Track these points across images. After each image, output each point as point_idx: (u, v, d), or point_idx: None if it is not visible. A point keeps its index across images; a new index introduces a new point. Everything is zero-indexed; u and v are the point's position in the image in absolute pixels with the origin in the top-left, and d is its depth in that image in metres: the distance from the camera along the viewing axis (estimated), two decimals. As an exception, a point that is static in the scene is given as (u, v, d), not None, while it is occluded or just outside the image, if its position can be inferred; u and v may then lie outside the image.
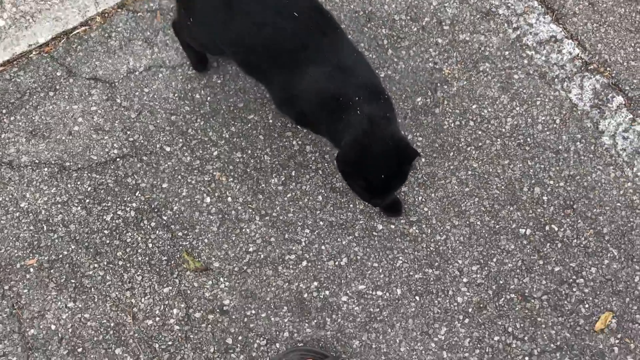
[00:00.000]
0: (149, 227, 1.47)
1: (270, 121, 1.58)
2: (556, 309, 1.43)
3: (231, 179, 1.52)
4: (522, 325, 1.41)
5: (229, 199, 1.50)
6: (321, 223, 1.49)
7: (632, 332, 1.41)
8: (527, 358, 1.38)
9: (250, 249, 1.46)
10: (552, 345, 1.39)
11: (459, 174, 1.53)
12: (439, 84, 1.60)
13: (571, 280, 1.45)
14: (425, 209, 1.50)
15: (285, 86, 1.28)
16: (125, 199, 1.49)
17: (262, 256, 1.46)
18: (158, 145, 1.55)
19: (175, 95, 1.59)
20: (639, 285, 1.45)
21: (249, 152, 1.55)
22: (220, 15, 1.26)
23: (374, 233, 1.48)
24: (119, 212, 1.48)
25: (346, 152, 1.21)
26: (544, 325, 1.41)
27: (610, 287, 1.45)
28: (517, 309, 1.42)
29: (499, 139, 1.56)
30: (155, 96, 1.60)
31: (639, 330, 1.41)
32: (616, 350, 1.40)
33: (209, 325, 1.39)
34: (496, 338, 1.40)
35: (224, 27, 1.27)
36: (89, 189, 1.50)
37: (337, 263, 1.45)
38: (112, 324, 1.38)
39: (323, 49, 1.24)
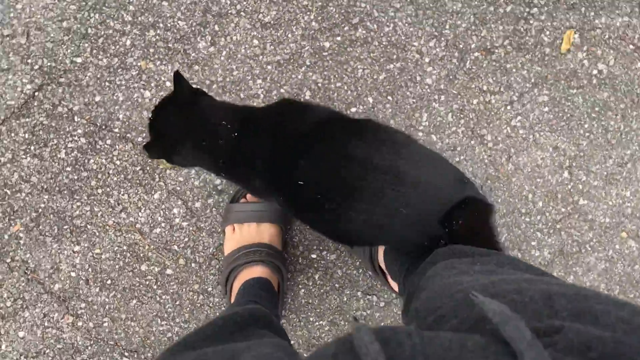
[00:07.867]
0: (106, 145, 1.40)
1: (167, -18, 1.40)
2: (520, 49, 1.41)
3: (158, 62, 1.40)
4: (494, 78, 1.41)
5: (167, 82, 1.40)
6: (269, 67, 1.41)
7: (595, 39, 1.42)
8: (509, 107, 1.41)
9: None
10: (527, 85, 1.41)
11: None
12: None
13: (525, 13, 1.41)
14: (363, 4, 1.41)
15: None
16: (67, 129, 1.39)
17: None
18: (67, 61, 1.39)
19: (53, -2, 1.38)
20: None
21: (161, 25, 1.40)
22: None
23: (324, 53, 1.41)
24: (69, 145, 1.39)
25: None
26: (514, 70, 1.41)
27: (564, 4, 1.42)
28: (484, 65, 1.41)
29: None
30: (33, 9, 1.39)
31: (601, 35, 1.42)
32: (586, 63, 1.42)
33: (213, 209, 1.40)
34: (475, 101, 1.41)
35: None
36: (27, 135, 1.39)
37: (301, 99, 1.41)
38: (124, 247, 1.39)
39: None
